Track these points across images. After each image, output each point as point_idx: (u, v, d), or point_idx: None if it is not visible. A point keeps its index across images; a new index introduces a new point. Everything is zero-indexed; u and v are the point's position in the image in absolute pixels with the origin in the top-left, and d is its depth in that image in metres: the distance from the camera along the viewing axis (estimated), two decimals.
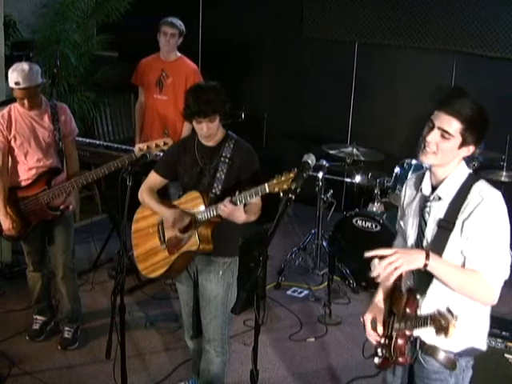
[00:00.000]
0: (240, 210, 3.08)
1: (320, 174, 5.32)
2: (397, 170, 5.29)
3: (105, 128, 7.17)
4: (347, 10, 6.55)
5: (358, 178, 5.59)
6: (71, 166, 4.18)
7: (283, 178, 2.84)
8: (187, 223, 3.21)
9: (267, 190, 2.92)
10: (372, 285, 5.14)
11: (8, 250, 5.29)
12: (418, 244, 2.52)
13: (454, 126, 2.36)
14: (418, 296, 2.48)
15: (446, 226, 2.41)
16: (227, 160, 3.21)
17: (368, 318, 2.71)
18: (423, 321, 2.41)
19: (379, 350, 2.65)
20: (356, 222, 5.26)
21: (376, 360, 2.70)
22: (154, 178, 3.40)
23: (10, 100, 4.78)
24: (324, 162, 5.35)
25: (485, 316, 2.57)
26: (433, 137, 2.38)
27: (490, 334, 3.56)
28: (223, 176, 3.20)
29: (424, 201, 2.52)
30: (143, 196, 3.39)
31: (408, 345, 2.53)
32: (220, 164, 3.21)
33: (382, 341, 2.63)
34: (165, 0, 7.15)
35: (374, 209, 5.33)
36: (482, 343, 2.57)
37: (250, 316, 2.95)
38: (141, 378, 4.00)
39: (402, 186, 5.40)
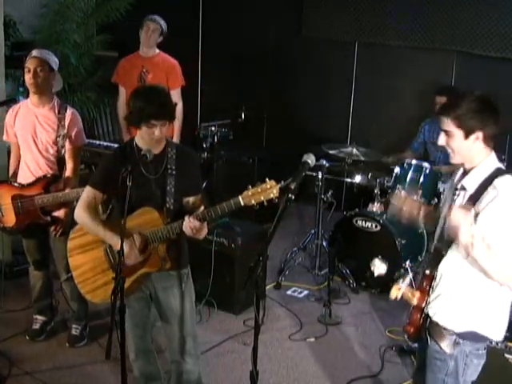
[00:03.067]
0: (205, 227, 3.01)
1: (320, 174, 5.32)
2: (397, 170, 5.30)
3: (105, 128, 7.18)
4: (347, 10, 6.56)
5: (357, 178, 5.59)
6: (67, 174, 4.09)
7: (259, 189, 2.79)
8: (139, 260, 3.05)
9: (242, 203, 2.84)
10: (372, 285, 5.20)
11: (8, 250, 5.29)
12: (444, 228, 2.67)
13: (448, 123, 2.58)
14: (428, 272, 2.69)
15: None
16: (174, 172, 3.09)
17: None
18: None
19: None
20: (356, 221, 5.27)
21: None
22: (92, 195, 3.14)
23: (10, 100, 4.78)
24: (324, 162, 5.35)
25: (498, 304, 2.65)
26: (441, 139, 2.64)
27: None
28: (173, 189, 3.09)
29: (454, 189, 2.72)
30: (85, 221, 3.14)
31: (420, 318, 2.73)
32: (168, 176, 3.09)
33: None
34: (165, 0, 7.15)
35: (374, 209, 5.33)
36: (490, 331, 2.66)
37: (250, 316, 2.95)
38: None
39: (402, 186, 5.47)
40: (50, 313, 4.45)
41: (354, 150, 5.58)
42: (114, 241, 3.05)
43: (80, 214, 3.16)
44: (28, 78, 3.97)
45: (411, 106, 6.45)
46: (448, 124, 2.58)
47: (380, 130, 6.64)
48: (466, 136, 2.57)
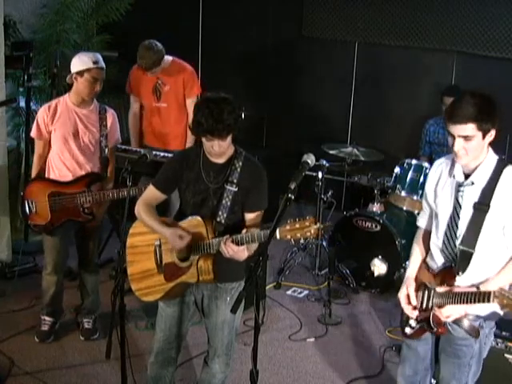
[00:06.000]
0: (243, 250, 2.92)
1: (320, 174, 5.32)
2: (397, 170, 5.30)
3: None
4: (347, 10, 6.55)
5: (357, 178, 5.59)
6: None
7: (298, 226, 2.71)
8: (189, 243, 3.02)
9: (278, 237, 2.75)
10: (372, 285, 5.20)
11: (8, 250, 5.29)
12: (452, 222, 2.80)
13: (469, 128, 2.63)
14: (461, 273, 2.74)
15: (482, 208, 2.70)
16: (234, 186, 3.01)
17: (403, 293, 2.95)
18: (477, 298, 2.58)
19: (412, 322, 2.93)
20: (356, 221, 5.27)
21: (407, 330, 2.97)
22: (152, 194, 3.16)
23: (10, 100, 4.78)
24: (324, 162, 5.34)
25: None
26: (458, 145, 2.66)
27: None
28: (229, 203, 3.02)
29: (457, 186, 2.79)
30: (141, 214, 3.14)
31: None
32: (226, 189, 3.01)
33: (416, 313, 2.88)
34: (165, 0, 7.15)
35: (374, 209, 5.33)
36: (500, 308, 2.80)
37: (250, 316, 2.95)
38: (141, 378, 4.00)
39: (402, 186, 5.46)
40: (58, 314, 4.45)
41: (354, 150, 5.59)
42: (164, 231, 3.06)
43: (138, 208, 3.16)
44: (90, 88, 4.01)
45: (411, 106, 6.44)
46: (467, 129, 2.63)
47: (380, 129, 6.64)
48: (484, 136, 2.67)
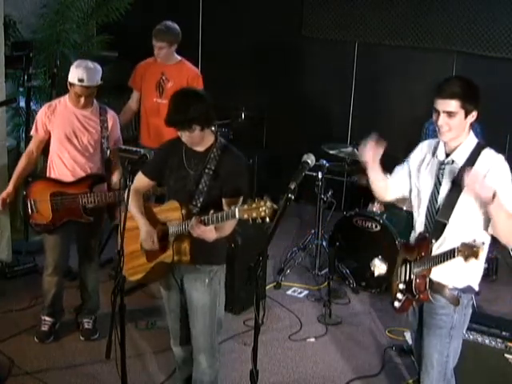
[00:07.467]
0: (211, 231, 3.02)
1: (320, 174, 5.32)
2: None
3: None
4: (347, 10, 6.56)
5: (357, 178, 5.59)
6: (116, 176, 4.20)
7: (254, 206, 2.79)
8: (155, 248, 3.19)
9: (237, 216, 2.86)
10: (372, 285, 5.20)
11: (8, 250, 5.29)
12: (433, 199, 2.99)
13: (453, 105, 2.83)
14: (434, 240, 2.93)
15: (459, 184, 2.84)
16: (211, 172, 3.14)
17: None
18: (445, 256, 2.83)
19: (399, 295, 3.11)
20: (356, 221, 5.27)
21: (396, 304, 3.13)
22: (141, 180, 3.32)
23: (10, 100, 4.77)
24: (324, 162, 5.35)
25: (482, 261, 2.99)
26: (442, 120, 2.86)
27: (490, 334, 3.57)
28: (205, 188, 3.14)
29: (439, 164, 3.00)
30: (130, 201, 3.28)
31: (426, 283, 2.96)
32: (204, 175, 3.14)
33: (401, 286, 3.09)
34: (165, 0, 7.15)
35: (374, 209, 5.33)
36: (476, 284, 3.03)
37: (250, 316, 2.96)
38: (141, 378, 4.00)
39: None
40: (59, 315, 4.45)
41: (354, 150, 5.59)
42: (140, 223, 3.26)
43: (128, 195, 3.28)
44: (76, 100, 4.02)
45: (411, 106, 6.44)
46: (453, 105, 2.82)
47: (380, 129, 6.63)
48: (466, 116, 2.86)
